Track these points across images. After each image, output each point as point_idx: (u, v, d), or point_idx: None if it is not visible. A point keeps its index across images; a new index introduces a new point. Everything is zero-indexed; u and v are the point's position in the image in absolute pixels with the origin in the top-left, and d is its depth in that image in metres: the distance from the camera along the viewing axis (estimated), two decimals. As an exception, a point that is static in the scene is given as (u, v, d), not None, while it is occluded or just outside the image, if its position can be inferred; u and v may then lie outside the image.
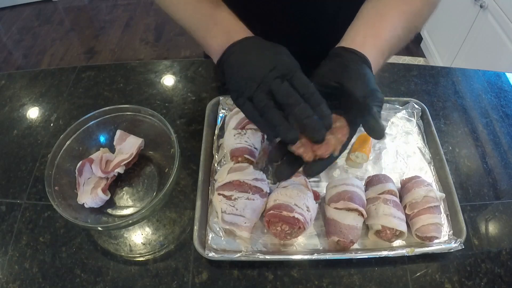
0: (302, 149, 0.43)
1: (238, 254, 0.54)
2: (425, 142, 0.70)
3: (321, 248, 0.57)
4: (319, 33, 0.73)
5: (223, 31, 0.51)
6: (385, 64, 0.78)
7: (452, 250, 0.56)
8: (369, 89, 0.44)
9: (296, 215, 0.53)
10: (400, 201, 0.60)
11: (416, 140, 0.71)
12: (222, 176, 0.59)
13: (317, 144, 0.42)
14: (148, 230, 0.60)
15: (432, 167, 0.67)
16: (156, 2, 0.58)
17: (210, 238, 0.57)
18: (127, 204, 0.62)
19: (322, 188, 0.63)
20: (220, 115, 0.72)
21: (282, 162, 0.47)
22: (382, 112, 0.72)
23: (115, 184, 0.64)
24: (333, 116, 0.44)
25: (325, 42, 0.76)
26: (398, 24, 0.52)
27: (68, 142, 0.62)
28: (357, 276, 0.55)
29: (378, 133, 0.42)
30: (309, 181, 0.63)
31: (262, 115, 0.42)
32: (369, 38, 0.51)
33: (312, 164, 0.44)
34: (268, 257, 0.54)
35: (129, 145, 0.64)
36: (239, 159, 0.62)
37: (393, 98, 0.74)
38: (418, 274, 0.56)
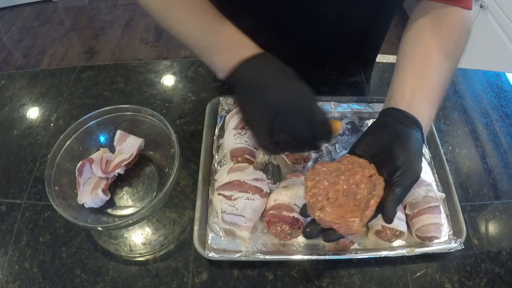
0: (337, 225, 0.42)
1: (238, 254, 0.54)
2: (425, 142, 0.70)
3: (321, 248, 0.57)
4: (325, 34, 0.73)
5: (229, 45, 0.49)
6: (387, 64, 0.78)
7: (452, 250, 0.56)
8: (406, 165, 0.43)
9: (296, 215, 0.53)
10: (400, 201, 0.60)
11: (416, 140, 0.70)
12: (222, 176, 0.59)
13: None
14: (148, 230, 0.60)
15: (432, 167, 0.67)
16: (153, 16, 0.55)
17: (210, 238, 0.57)
18: (127, 204, 0.62)
19: (322, 188, 0.63)
20: (220, 115, 0.72)
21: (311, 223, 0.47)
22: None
23: (115, 184, 0.64)
24: (374, 177, 0.44)
25: (331, 43, 0.76)
26: (443, 67, 0.51)
27: (68, 142, 0.62)
28: (357, 276, 0.55)
29: (386, 216, 0.42)
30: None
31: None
32: (418, 92, 0.49)
33: (332, 232, 0.44)
34: (268, 257, 0.54)
35: (129, 145, 0.64)
36: (239, 159, 0.62)
37: (393, 98, 0.74)
38: (418, 274, 0.56)
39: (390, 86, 0.53)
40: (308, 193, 0.45)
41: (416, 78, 0.51)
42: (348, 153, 0.49)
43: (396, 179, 0.43)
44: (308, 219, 0.51)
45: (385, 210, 0.42)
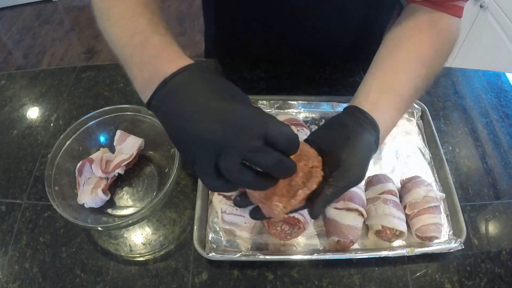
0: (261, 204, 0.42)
1: (238, 254, 0.54)
2: (425, 142, 0.70)
3: (321, 248, 0.57)
4: (325, 34, 0.73)
5: (152, 58, 0.37)
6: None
7: (452, 250, 0.56)
8: (345, 166, 0.42)
9: (296, 215, 0.53)
10: (400, 201, 0.59)
11: (416, 140, 0.70)
12: (222, 176, 0.59)
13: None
14: (148, 230, 0.60)
15: (432, 167, 0.67)
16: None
17: (210, 238, 0.57)
18: (127, 204, 0.62)
19: (322, 188, 0.63)
20: (220, 115, 0.72)
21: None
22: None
23: (115, 184, 0.64)
24: (314, 169, 0.43)
25: (331, 43, 0.75)
26: (416, 73, 0.50)
27: (68, 142, 0.62)
28: (357, 276, 0.55)
29: (312, 212, 0.41)
30: (309, 181, 0.63)
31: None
32: (384, 95, 0.48)
33: (258, 211, 0.44)
34: (268, 257, 0.54)
35: (129, 146, 0.64)
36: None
37: (393, 98, 0.74)
38: (418, 274, 0.56)
39: (360, 85, 0.51)
40: None
41: (385, 81, 0.49)
42: (304, 140, 0.48)
43: (332, 178, 0.42)
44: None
45: (312, 206, 0.41)
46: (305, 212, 0.54)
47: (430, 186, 0.59)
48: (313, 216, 0.42)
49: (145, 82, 0.37)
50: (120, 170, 0.62)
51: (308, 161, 0.44)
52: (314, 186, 0.42)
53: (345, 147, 0.43)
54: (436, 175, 0.66)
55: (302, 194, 0.41)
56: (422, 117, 0.73)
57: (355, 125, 0.45)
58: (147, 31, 0.39)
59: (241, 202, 0.46)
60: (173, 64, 0.36)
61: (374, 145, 0.45)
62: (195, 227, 0.55)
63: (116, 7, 0.43)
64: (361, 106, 0.47)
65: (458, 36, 0.54)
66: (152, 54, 0.38)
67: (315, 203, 0.41)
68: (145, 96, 0.38)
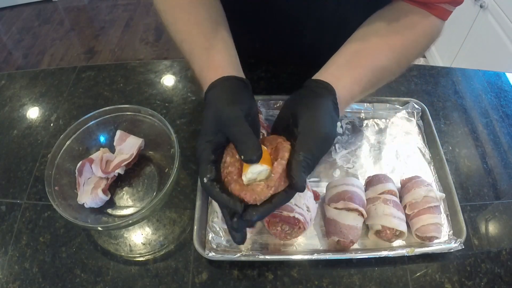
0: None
1: (238, 254, 0.54)
2: (425, 142, 0.70)
3: (321, 248, 0.57)
4: (325, 35, 0.73)
5: (211, 65, 0.48)
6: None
7: (452, 250, 0.56)
8: (308, 127, 0.41)
9: (296, 215, 0.53)
10: (400, 201, 0.60)
11: (416, 140, 0.70)
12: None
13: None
14: (148, 230, 0.60)
15: (432, 167, 0.67)
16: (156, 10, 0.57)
17: (210, 238, 0.57)
18: (127, 204, 0.62)
19: (322, 188, 0.63)
20: (220, 115, 0.72)
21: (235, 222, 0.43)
22: (381, 112, 0.73)
23: (115, 184, 0.64)
24: (279, 144, 0.43)
25: (331, 45, 0.75)
26: (383, 54, 0.50)
27: (68, 142, 0.62)
28: (357, 276, 0.55)
29: (294, 184, 0.40)
30: (309, 181, 0.63)
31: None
32: (344, 67, 0.49)
33: (251, 209, 0.41)
34: (268, 257, 0.54)
35: (129, 146, 0.64)
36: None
37: (393, 98, 0.74)
38: (418, 274, 0.56)
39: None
40: (225, 170, 0.44)
41: (349, 58, 0.50)
42: (272, 129, 0.49)
43: (296, 143, 0.41)
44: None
45: (291, 176, 0.40)
46: (305, 212, 0.54)
47: (430, 186, 0.59)
48: (297, 187, 0.40)
49: (205, 84, 0.48)
50: (120, 170, 0.62)
51: (272, 143, 0.44)
52: (286, 155, 0.41)
53: (303, 113, 0.43)
54: (436, 175, 0.66)
55: (277, 165, 0.40)
56: (422, 117, 0.73)
57: (310, 93, 0.46)
58: (210, 40, 0.50)
59: (238, 224, 0.42)
60: (216, 74, 0.46)
61: (331, 104, 0.45)
62: (195, 227, 0.55)
63: (178, 7, 0.53)
64: (317, 77, 0.48)
65: (438, 37, 0.54)
66: (213, 63, 0.49)
67: (292, 171, 0.40)
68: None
